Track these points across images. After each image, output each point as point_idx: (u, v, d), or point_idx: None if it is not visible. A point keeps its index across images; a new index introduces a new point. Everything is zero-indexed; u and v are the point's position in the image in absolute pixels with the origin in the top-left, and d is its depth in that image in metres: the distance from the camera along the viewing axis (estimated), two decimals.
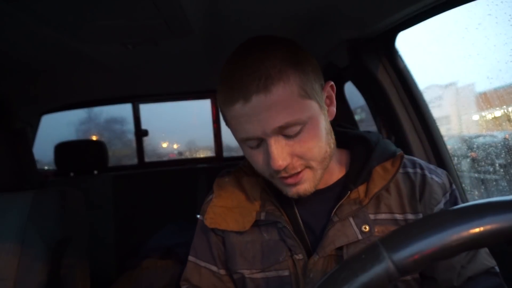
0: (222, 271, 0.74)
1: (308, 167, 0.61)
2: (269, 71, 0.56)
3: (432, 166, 0.71)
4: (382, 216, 0.65)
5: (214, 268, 0.74)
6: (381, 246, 0.32)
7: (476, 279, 0.62)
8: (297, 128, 0.59)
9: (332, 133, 0.67)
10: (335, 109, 0.67)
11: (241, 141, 0.63)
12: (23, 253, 1.08)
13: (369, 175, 0.66)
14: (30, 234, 1.10)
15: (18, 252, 1.07)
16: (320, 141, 0.61)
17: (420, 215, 0.65)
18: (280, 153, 0.58)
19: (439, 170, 0.71)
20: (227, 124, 0.65)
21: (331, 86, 0.66)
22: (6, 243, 1.08)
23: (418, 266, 0.31)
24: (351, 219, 0.64)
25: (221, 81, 0.61)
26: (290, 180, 0.61)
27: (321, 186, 0.69)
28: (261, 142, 0.61)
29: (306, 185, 0.62)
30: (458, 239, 0.30)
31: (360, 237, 0.63)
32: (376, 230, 0.64)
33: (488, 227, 0.30)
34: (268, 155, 0.59)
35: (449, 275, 0.62)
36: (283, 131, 0.58)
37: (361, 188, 0.66)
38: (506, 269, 0.68)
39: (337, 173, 0.71)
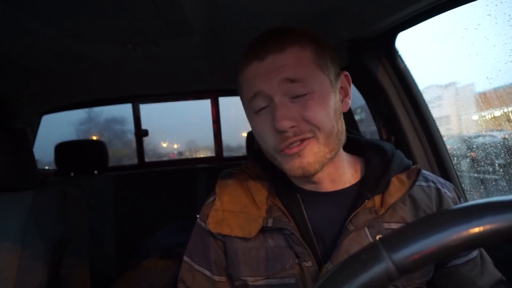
0: (217, 277, 0.72)
1: (314, 137, 0.60)
2: (288, 37, 0.61)
3: (441, 180, 0.71)
4: (395, 226, 0.64)
5: (207, 273, 0.72)
6: (381, 246, 0.32)
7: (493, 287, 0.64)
8: (305, 89, 0.60)
9: (343, 123, 0.66)
10: (349, 102, 0.68)
11: (249, 102, 0.63)
12: (23, 253, 1.07)
13: (388, 185, 0.65)
14: (30, 234, 1.09)
15: (18, 252, 1.07)
16: (327, 111, 0.61)
17: None
18: (285, 112, 0.59)
19: (447, 184, 0.71)
20: (239, 90, 0.67)
21: (346, 75, 0.68)
22: (6, 243, 1.08)
23: (418, 266, 0.31)
24: (366, 229, 0.63)
25: (245, 49, 0.66)
26: (294, 149, 0.60)
27: (332, 188, 0.68)
28: (268, 105, 0.61)
29: (310, 158, 0.60)
30: (458, 239, 0.30)
31: None
32: None
33: (487, 226, 0.30)
34: (274, 118, 0.59)
35: None
36: (290, 90, 0.59)
37: (377, 198, 0.65)
38: (506, 269, 0.68)
39: (349, 178, 0.69)
